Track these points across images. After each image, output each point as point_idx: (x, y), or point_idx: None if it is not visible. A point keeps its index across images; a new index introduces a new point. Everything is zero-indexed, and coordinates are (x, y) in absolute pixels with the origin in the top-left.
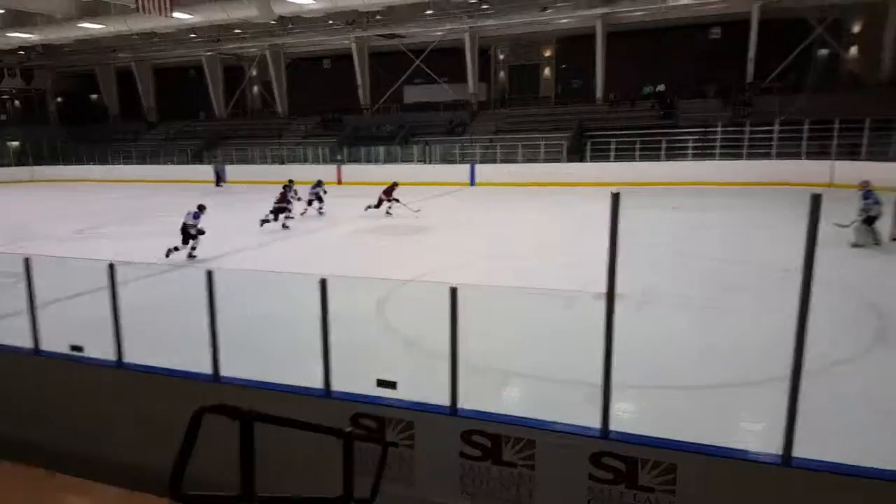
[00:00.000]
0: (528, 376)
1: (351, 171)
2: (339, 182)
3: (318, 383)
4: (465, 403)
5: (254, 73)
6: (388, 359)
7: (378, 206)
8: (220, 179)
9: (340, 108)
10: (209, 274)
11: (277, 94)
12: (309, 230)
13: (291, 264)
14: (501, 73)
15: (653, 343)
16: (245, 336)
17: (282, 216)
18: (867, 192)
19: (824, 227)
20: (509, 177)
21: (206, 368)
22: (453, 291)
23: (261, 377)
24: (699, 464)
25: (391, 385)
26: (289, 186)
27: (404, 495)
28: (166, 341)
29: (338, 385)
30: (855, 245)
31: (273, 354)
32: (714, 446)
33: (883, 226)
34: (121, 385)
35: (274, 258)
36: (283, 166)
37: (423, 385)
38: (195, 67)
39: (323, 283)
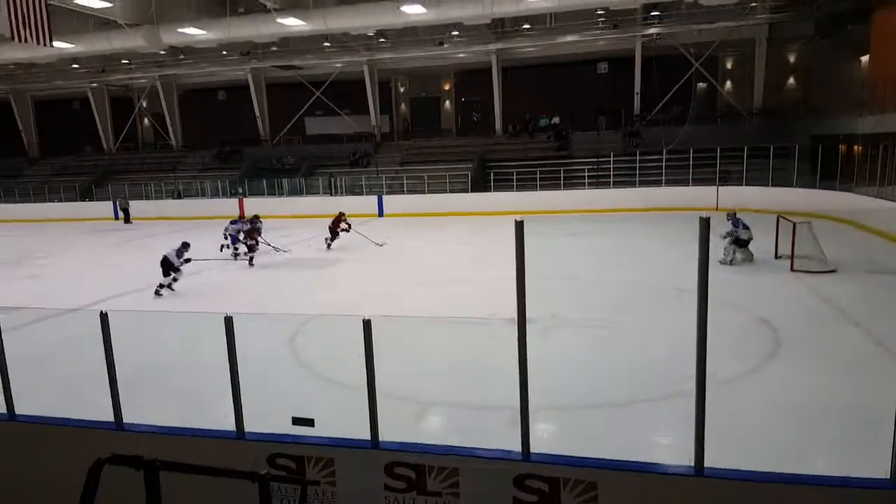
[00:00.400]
0: (449, 404)
1: (254, 204)
2: (242, 216)
3: (230, 426)
4: (386, 436)
5: (144, 104)
6: (304, 396)
7: (333, 239)
8: (127, 216)
9: (239, 140)
10: (104, 316)
11: (170, 126)
12: (213, 266)
13: (197, 303)
14: (403, 106)
15: (563, 364)
16: (150, 380)
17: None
18: (735, 221)
19: (712, 249)
20: (417, 207)
21: (108, 416)
22: (366, 324)
23: (167, 422)
24: (619, 480)
25: (308, 422)
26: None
27: None
28: (62, 389)
29: (253, 426)
30: (722, 262)
31: (181, 398)
32: (631, 461)
33: (767, 245)
34: (13, 439)
35: (175, 298)
36: (181, 201)
37: (342, 420)
38: (80, 99)
39: (228, 321)
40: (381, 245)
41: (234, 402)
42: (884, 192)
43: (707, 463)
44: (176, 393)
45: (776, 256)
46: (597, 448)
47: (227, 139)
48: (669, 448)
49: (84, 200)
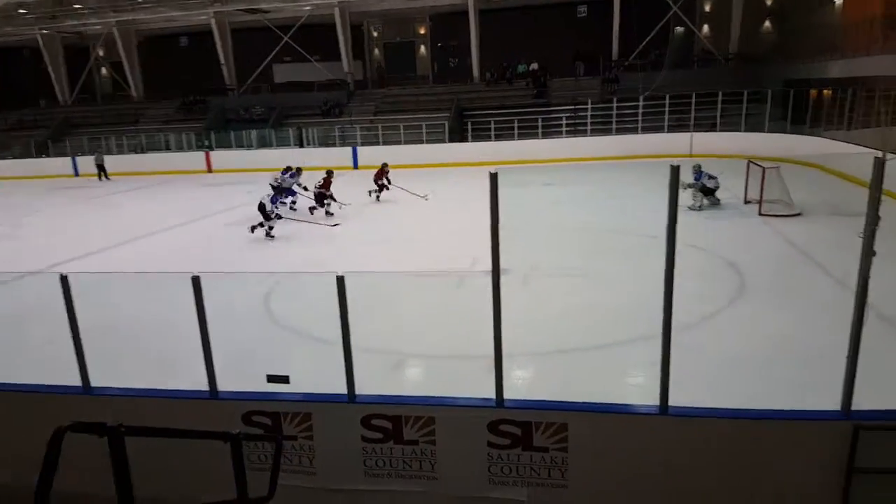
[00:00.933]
0: (426, 356)
1: (221, 157)
2: (210, 170)
3: (203, 386)
4: (363, 389)
5: (101, 53)
6: (279, 353)
7: (380, 190)
8: (102, 173)
9: (204, 90)
10: (64, 279)
11: (130, 76)
12: (186, 222)
13: (171, 261)
14: (376, 51)
15: (540, 312)
16: (119, 343)
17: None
18: (699, 174)
19: (683, 195)
20: (393, 159)
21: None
22: (340, 280)
23: (140, 384)
24: (587, 421)
25: (283, 380)
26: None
27: (308, 486)
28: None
29: (229, 385)
30: (691, 208)
31: (152, 359)
32: (600, 403)
33: (737, 191)
34: None
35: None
36: (144, 155)
37: (319, 376)
38: (30, 48)
39: (196, 280)
40: (424, 197)
41: (205, 361)
42: (850, 136)
43: (673, 402)
44: (147, 355)
45: (745, 201)
46: (568, 391)
47: (191, 89)
48: (638, 389)
49: (40, 156)
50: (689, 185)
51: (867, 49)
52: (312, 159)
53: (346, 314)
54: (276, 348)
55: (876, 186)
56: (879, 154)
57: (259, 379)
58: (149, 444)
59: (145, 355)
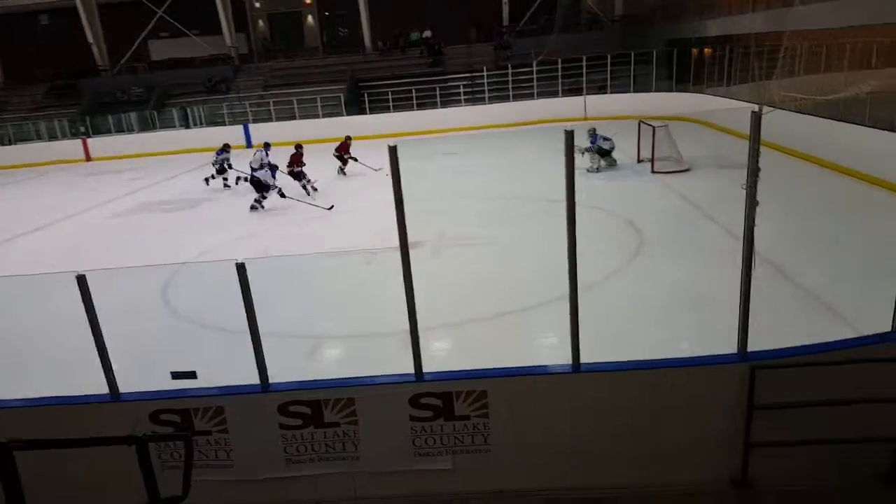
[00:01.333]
0: (342, 336)
1: (100, 144)
2: (88, 158)
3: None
4: (280, 377)
5: None
6: (187, 348)
7: (345, 165)
8: None
9: (73, 73)
10: None
11: None
12: (66, 217)
13: (55, 259)
14: (260, 23)
15: (453, 283)
16: (6, 352)
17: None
18: (594, 137)
19: (581, 159)
20: (288, 135)
21: None
22: (240, 267)
23: (34, 393)
24: (505, 386)
25: (190, 375)
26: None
27: (228, 479)
28: None
29: (134, 386)
30: (589, 170)
31: (45, 366)
32: (516, 367)
33: (630, 151)
34: None
35: (30, 256)
36: (12, 147)
37: (231, 367)
38: None
39: (81, 280)
40: (379, 170)
41: (102, 363)
42: (730, 92)
43: (586, 358)
44: (38, 362)
45: (638, 160)
46: (486, 359)
47: (58, 72)
48: (552, 349)
49: None
50: (587, 150)
51: (741, 8)
52: (200, 140)
53: (251, 302)
54: (182, 343)
55: (754, 139)
56: (756, 108)
57: (166, 376)
58: (48, 456)
59: (36, 363)
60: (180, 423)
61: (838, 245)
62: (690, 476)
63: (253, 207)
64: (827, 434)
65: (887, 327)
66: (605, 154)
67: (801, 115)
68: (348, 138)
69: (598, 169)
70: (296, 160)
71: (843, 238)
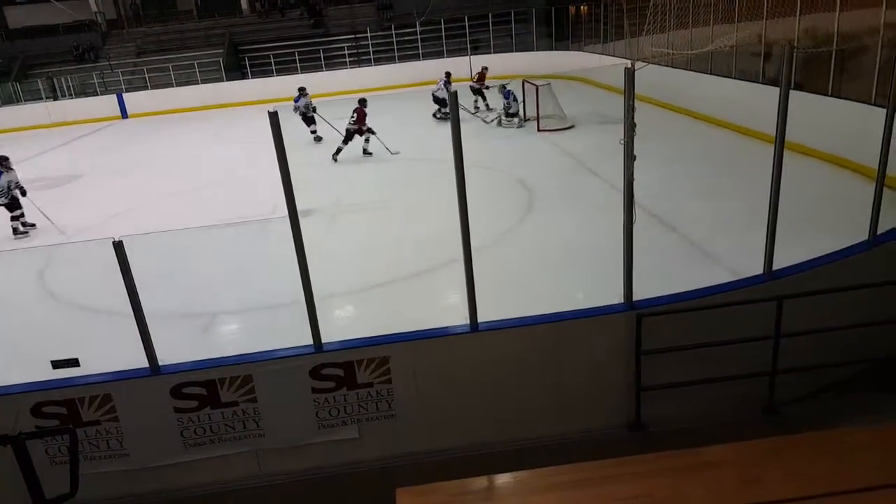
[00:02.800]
0: (237, 311)
1: None
2: None
3: None
4: (174, 358)
5: None
6: (68, 334)
7: (347, 141)
8: None
9: None
10: None
11: None
12: None
13: None
14: None
15: (351, 249)
16: None
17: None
18: (507, 92)
19: (472, 120)
20: (166, 104)
21: None
22: (117, 245)
23: None
24: (406, 350)
25: (72, 363)
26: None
27: (124, 469)
28: None
29: (9, 378)
30: (500, 124)
31: None
32: (416, 331)
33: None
34: None
35: None
36: None
37: (119, 352)
38: None
39: None
40: (396, 154)
41: None
42: (607, 49)
43: (484, 317)
44: None
45: (524, 119)
46: (388, 324)
47: None
48: (453, 310)
49: None
50: (496, 118)
51: None
52: (71, 112)
53: (132, 282)
54: (63, 330)
55: (629, 94)
56: (629, 64)
57: (48, 366)
58: None
59: None
60: (66, 414)
61: (715, 194)
62: (591, 422)
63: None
64: (712, 374)
65: (760, 270)
66: (512, 116)
67: (673, 70)
68: (363, 100)
69: (499, 123)
70: (361, 118)
71: (718, 187)
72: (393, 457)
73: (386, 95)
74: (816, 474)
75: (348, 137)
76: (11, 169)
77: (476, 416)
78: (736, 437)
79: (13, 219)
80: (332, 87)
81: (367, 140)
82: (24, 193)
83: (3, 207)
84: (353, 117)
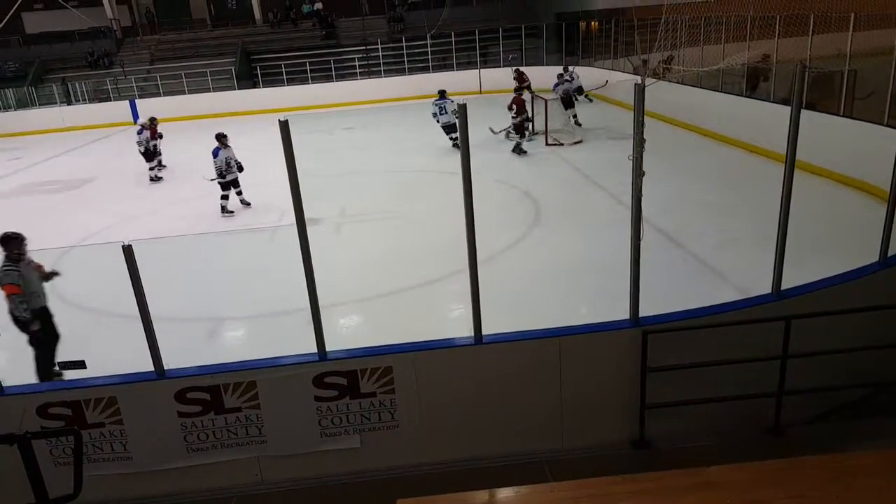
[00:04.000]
0: (243, 317)
1: None
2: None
3: None
4: (179, 362)
5: None
6: (76, 336)
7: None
8: None
9: None
10: None
11: None
12: None
13: None
14: None
15: (356, 258)
16: None
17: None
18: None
19: (481, 133)
20: (178, 110)
21: None
22: (127, 250)
23: None
24: (410, 361)
25: (79, 365)
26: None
27: (127, 472)
28: None
29: (16, 378)
30: (507, 136)
31: None
32: (421, 342)
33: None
34: None
35: None
36: None
37: (125, 355)
38: None
39: None
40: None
41: None
42: (617, 65)
43: (489, 329)
44: None
45: (533, 132)
46: (392, 334)
47: None
48: (458, 322)
49: None
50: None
51: None
52: (84, 117)
53: (140, 286)
54: (71, 332)
55: (638, 110)
56: (639, 80)
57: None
58: None
59: None
60: (71, 416)
61: (723, 212)
62: (594, 439)
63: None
64: (718, 393)
65: (768, 289)
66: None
67: (683, 86)
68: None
69: (507, 136)
70: (519, 106)
71: (727, 205)
72: (394, 467)
73: (394, 106)
74: (821, 498)
75: (519, 129)
76: (228, 146)
77: (479, 428)
78: (741, 458)
79: (223, 198)
80: (343, 97)
81: (520, 130)
82: (241, 169)
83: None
84: (512, 109)
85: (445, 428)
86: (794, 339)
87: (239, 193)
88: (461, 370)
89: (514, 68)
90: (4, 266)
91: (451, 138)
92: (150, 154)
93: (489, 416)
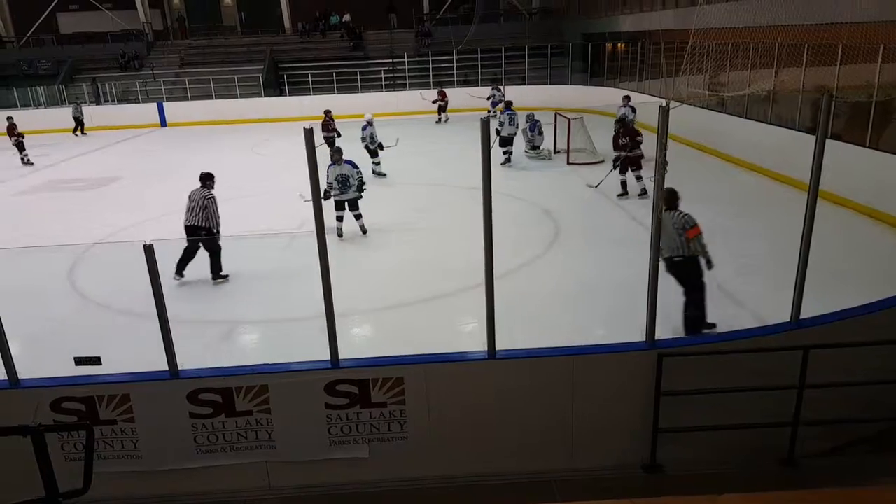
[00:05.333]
0: (258, 322)
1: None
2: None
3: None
4: (192, 363)
5: None
6: (92, 332)
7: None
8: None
9: None
10: None
11: None
12: None
13: None
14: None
15: (373, 268)
16: None
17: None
18: (533, 123)
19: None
20: (205, 115)
21: None
22: (148, 249)
23: None
24: (422, 372)
25: (94, 361)
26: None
27: (135, 470)
28: None
29: (33, 372)
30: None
31: None
32: (433, 354)
33: (547, 141)
34: None
35: None
36: None
37: (140, 353)
38: None
39: None
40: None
41: None
42: (641, 87)
43: (502, 345)
44: None
45: (555, 151)
46: (405, 345)
47: None
48: (471, 336)
49: None
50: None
51: (652, 5)
52: (112, 117)
53: (160, 285)
54: (88, 328)
55: (662, 132)
56: (664, 102)
57: (71, 363)
58: None
59: None
60: (84, 411)
61: (743, 238)
62: (605, 460)
63: None
64: (732, 420)
65: (786, 318)
66: (536, 148)
67: (708, 111)
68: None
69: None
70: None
71: (747, 231)
72: (402, 479)
73: (418, 119)
74: None
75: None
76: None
77: (488, 444)
78: (752, 488)
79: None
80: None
81: None
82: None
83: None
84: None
85: (454, 441)
86: (812, 369)
87: (357, 217)
88: (473, 384)
89: (439, 89)
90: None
91: (504, 152)
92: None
93: (499, 431)
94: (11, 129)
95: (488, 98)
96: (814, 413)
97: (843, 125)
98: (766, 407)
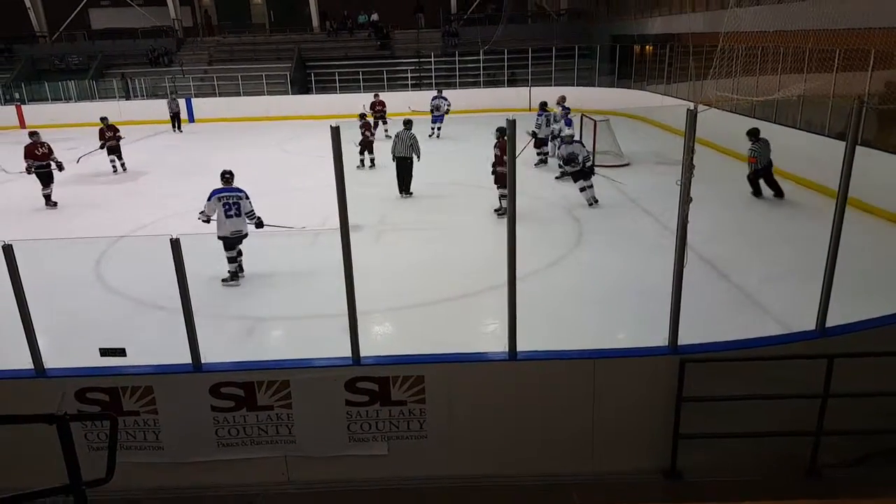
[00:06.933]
0: (281, 318)
1: (36, 111)
2: (23, 126)
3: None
4: (215, 357)
5: None
6: (117, 323)
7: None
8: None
9: (8, 38)
10: None
11: None
12: None
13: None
14: None
15: (395, 266)
16: None
17: None
18: (569, 120)
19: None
20: (232, 111)
21: None
22: (174, 243)
23: None
24: (443, 371)
25: (119, 352)
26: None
27: (156, 461)
28: None
29: (57, 362)
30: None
31: None
32: (454, 353)
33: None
34: None
35: None
36: None
37: (164, 346)
38: None
39: (7, 250)
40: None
41: (27, 336)
42: (669, 90)
43: (523, 346)
44: None
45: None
46: (425, 344)
47: None
48: (493, 336)
49: None
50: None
51: (681, 7)
52: (141, 112)
53: (185, 279)
54: (114, 320)
55: (689, 136)
56: (692, 106)
57: (96, 353)
58: None
59: None
60: (108, 401)
61: (770, 244)
62: (625, 465)
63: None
64: (753, 428)
65: (811, 325)
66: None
67: (736, 115)
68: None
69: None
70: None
71: (774, 237)
72: (420, 478)
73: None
74: None
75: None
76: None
77: (507, 445)
78: (773, 497)
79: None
80: (393, 107)
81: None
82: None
83: None
84: None
85: (474, 442)
86: (837, 378)
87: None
88: (493, 384)
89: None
90: None
91: (539, 153)
92: None
93: (519, 433)
94: (103, 133)
95: (431, 110)
96: (838, 423)
97: (873, 131)
98: (789, 416)
